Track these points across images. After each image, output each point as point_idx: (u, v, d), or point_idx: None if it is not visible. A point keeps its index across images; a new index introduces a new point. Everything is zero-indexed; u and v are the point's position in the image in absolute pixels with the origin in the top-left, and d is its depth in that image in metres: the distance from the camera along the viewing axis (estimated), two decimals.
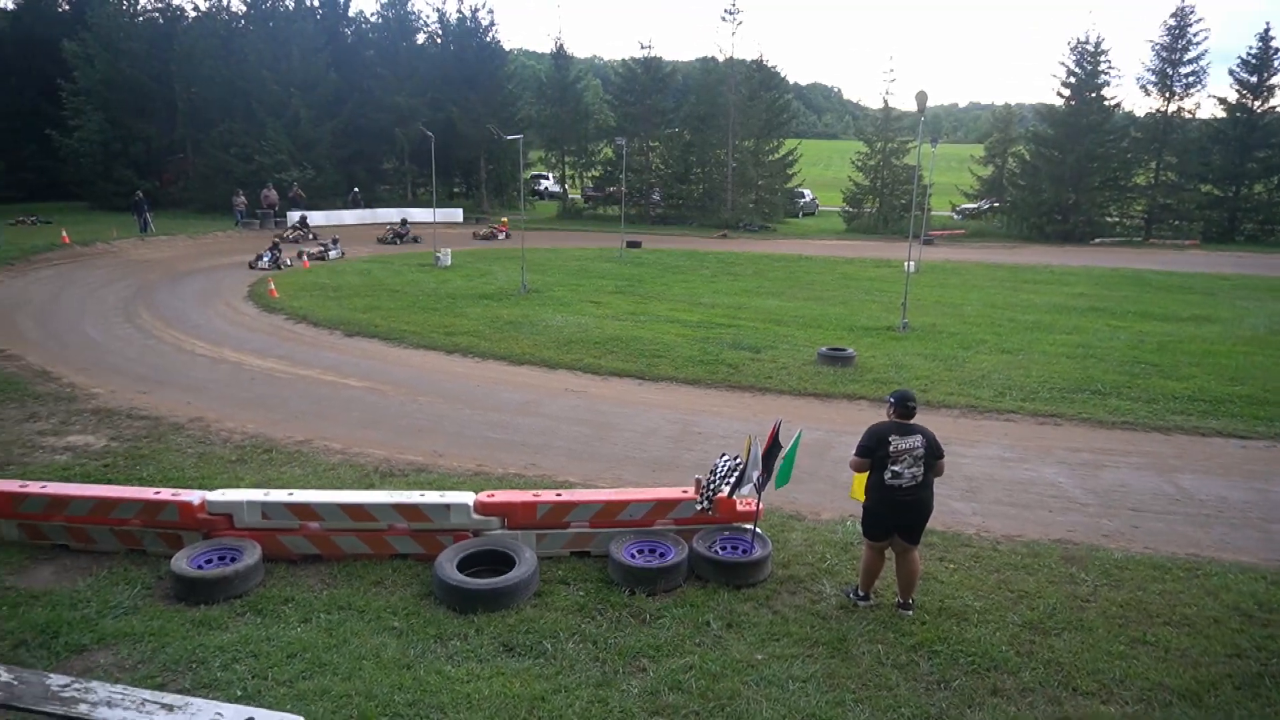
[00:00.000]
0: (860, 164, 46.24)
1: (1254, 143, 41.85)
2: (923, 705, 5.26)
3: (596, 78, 64.17)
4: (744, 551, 6.85)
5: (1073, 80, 42.44)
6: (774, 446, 6.60)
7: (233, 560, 6.48)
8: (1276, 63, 41.50)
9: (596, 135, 49.61)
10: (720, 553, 6.83)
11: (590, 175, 50.97)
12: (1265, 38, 41.63)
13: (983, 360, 15.38)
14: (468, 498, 7.03)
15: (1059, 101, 43.28)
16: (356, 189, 42.55)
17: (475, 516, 6.93)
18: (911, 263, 20.45)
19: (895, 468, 6.10)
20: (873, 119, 48.40)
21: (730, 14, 44.71)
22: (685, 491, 7.23)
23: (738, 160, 44.77)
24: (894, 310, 19.07)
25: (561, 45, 49.25)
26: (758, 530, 7.02)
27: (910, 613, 6.36)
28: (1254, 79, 41.86)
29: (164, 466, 9.21)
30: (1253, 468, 10.31)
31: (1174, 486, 9.57)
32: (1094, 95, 42.31)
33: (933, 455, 6.18)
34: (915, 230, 24.83)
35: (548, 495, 7.21)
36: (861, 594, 6.52)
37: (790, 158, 47.25)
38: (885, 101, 45.83)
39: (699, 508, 6.97)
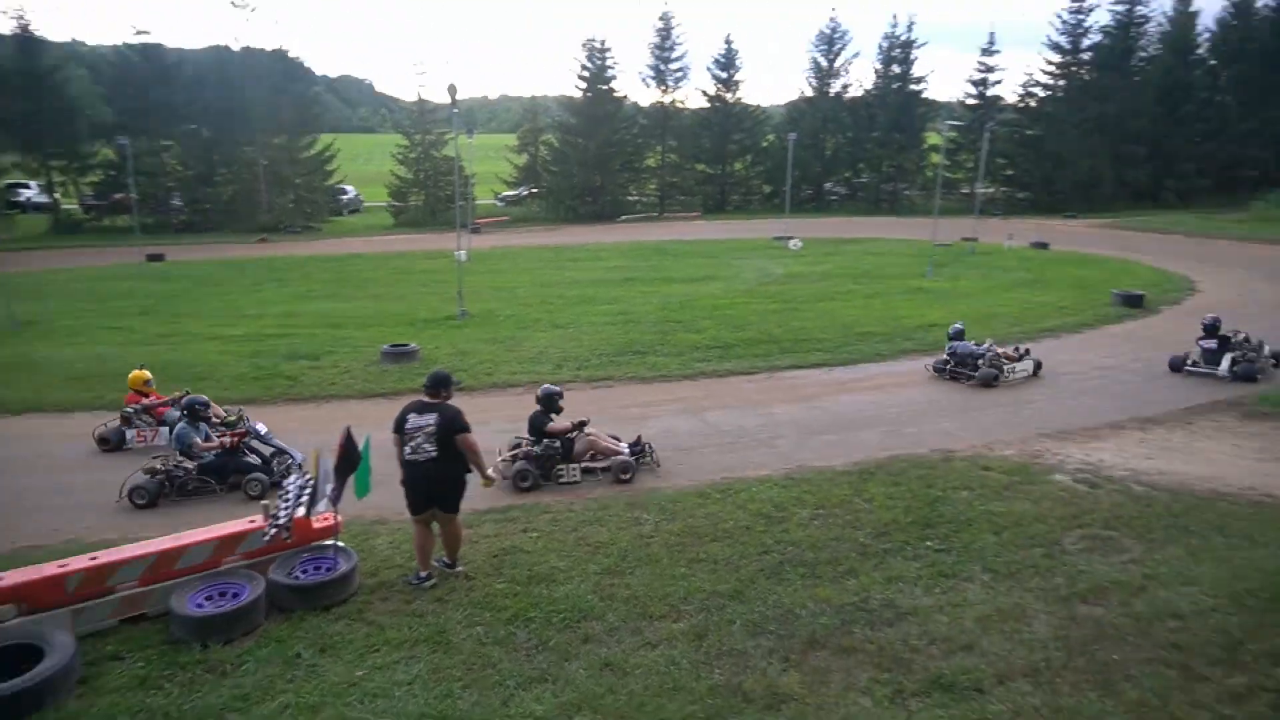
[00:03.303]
0: (401, 157, 45.98)
1: (730, 128, 50.21)
2: (525, 672, 5.50)
3: (83, 67, 54.56)
4: (328, 570, 6.51)
5: (587, 74, 46.77)
6: (346, 455, 6.34)
7: None
8: (738, 62, 50.34)
9: (91, 134, 42.29)
10: (301, 577, 6.41)
11: (88, 182, 43.48)
12: (729, 41, 50.27)
13: (539, 337, 16.38)
14: None
15: (578, 94, 47.46)
16: None
17: None
18: (462, 252, 20.95)
19: (411, 444, 6.52)
20: (408, 112, 48.40)
21: (238, 4, 41.18)
22: (252, 521, 6.65)
23: (269, 158, 41.65)
24: (451, 300, 19.40)
25: (26, 26, 40.99)
26: (340, 544, 6.72)
27: (460, 568, 6.86)
28: (725, 75, 50.21)
29: None
30: (759, 397, 12.46)
31: (705, 423, 11.18)
32: (606, 88, 47.11)
33: (449, 432, 6.50)
34: (462, 220, 25.46)
35: (78, 562, 6.11)
36: (422, 574, 6.72)
37: (327, 154, 45.22)
38: (419, 95, 46.16)
39: (267, 537, 6.42)
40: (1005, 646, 5.64)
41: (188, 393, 10.12)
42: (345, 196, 49.39)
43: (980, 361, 12.97)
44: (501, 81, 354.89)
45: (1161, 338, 15.81)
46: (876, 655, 5.58)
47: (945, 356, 13.46)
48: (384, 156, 51.78)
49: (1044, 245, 30.61)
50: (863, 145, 50.51)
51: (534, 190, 50.37)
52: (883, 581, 6.58)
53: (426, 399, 6.65)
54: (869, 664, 5.49)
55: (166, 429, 10.35)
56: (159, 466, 8.92)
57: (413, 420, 6.53)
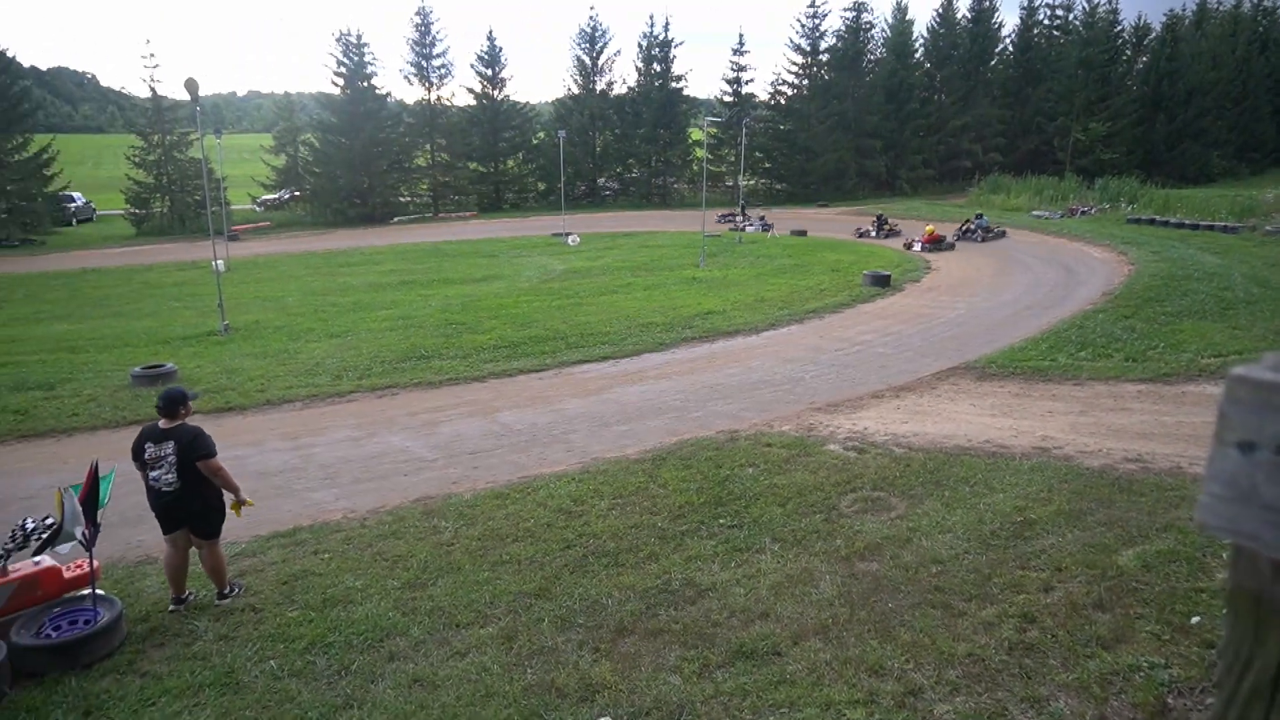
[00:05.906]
0: (139, 160, 41.51)
1: (500, 125, 49.66)
2: (328, 701, 5.20)
3: None
4: (87, 623, 5.80)
5: (344, 70, 44.47)
6: (94, 492, 5.68)
7: None
8: (503, 59, 49.86)
9: None
10: (54, 634, 5.67)
11: None
12: (491, 38, 49.57)
13: (314, 348, 15.48)
14: None
15: (336, 91, 45.05)
16: None
17: None
18: (219, 261, 19.36)
19: (153, 473, 6.15)
20: (143, 109, 43.72)
21: None
22: None
23: None
24: (211, 314, 17.89)
25: None
26: (99, 592, 6.01)
27: (227, 601, 6.43)
28: (490, 72, 49.51)
29: None
30: (549, 394, 12.51)
31: (498, 424, 11.07)
32: (365, 85, 45.04)
33: (190, 459, 6.13)
34: (217, 227, 23.51)
35: None
36: (174, 596, 6.39)
37: (45, 156, 40.00)
38: (153, 90, 41.78)
39: None
40: (797, 609, 6.05)
41: None
42: (73, 205, 43.94)
43: None
44: (248, 77, 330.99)
45: (904, 313, 17.56)
46: (682, 634, 5.79)
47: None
48: (117, 159, 46.53)
49: (803, 233, 32.98)
50: (631, 141, 51.92)
51: (296, 194, 47.38)
52: (682, 562, 6.84)
53: (162, 423, 6.20)
54: (675, 643, 5.69)
55: None
56: None
57: (150, 449, 6.12)
